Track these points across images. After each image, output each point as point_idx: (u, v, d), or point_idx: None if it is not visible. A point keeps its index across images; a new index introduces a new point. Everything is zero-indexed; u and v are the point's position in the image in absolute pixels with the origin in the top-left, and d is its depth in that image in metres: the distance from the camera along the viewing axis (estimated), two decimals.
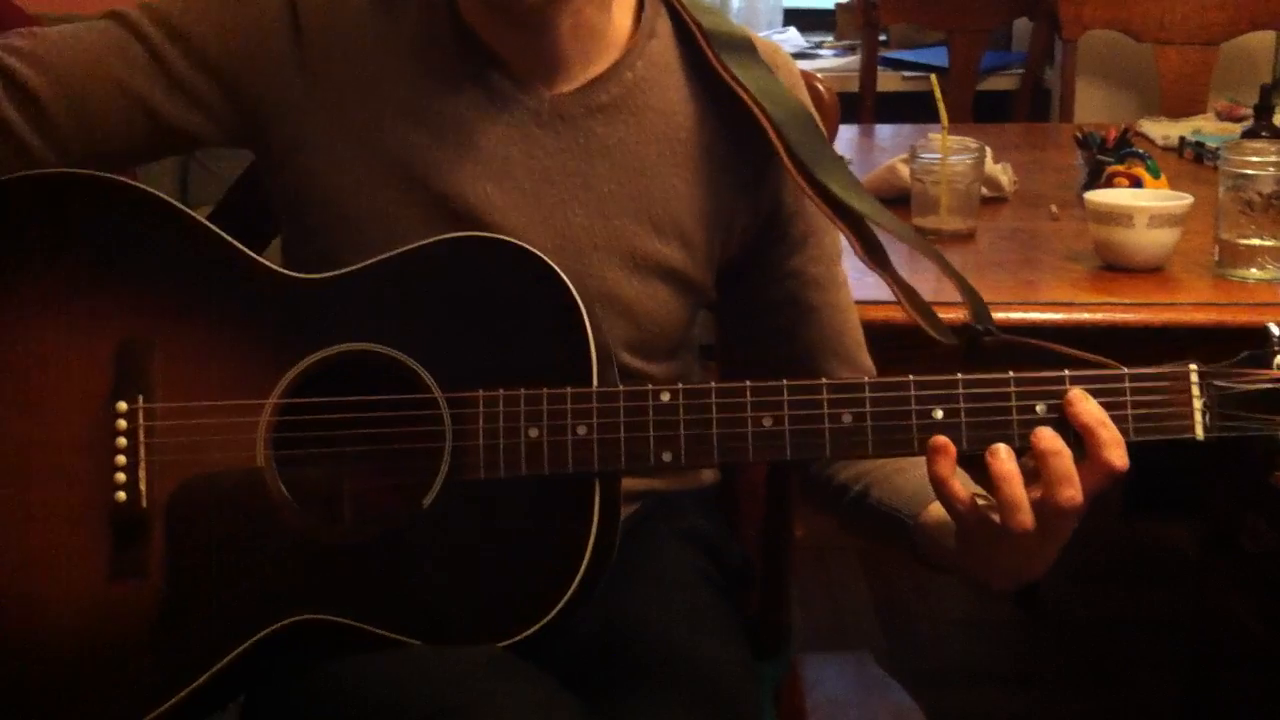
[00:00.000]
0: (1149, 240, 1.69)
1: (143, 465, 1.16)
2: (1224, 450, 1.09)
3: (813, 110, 1.31)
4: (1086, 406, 1.05)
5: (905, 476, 1.24)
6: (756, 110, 1.24)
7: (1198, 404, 1.07)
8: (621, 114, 1.25)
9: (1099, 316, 1.60)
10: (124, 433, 1.16)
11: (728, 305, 1.37)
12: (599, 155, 1.25)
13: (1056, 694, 2.61)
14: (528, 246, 1.16)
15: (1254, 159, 1.68)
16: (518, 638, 1.11)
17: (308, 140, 1.24)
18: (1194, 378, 1.07)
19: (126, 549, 1.16)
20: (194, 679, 1.13)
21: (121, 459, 1.16)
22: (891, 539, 1.23)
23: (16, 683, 1.16)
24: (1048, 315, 1.60)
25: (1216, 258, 1.70)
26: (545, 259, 1.15)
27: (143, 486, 1.16)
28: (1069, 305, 1.62)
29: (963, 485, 1.08)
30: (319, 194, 1.24)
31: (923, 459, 1.09)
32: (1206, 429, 1.07)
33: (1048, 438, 1.05)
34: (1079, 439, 1.05)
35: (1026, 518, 1.04)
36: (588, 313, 1.14)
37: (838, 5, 3.86)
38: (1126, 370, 1.08)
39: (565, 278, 1.15)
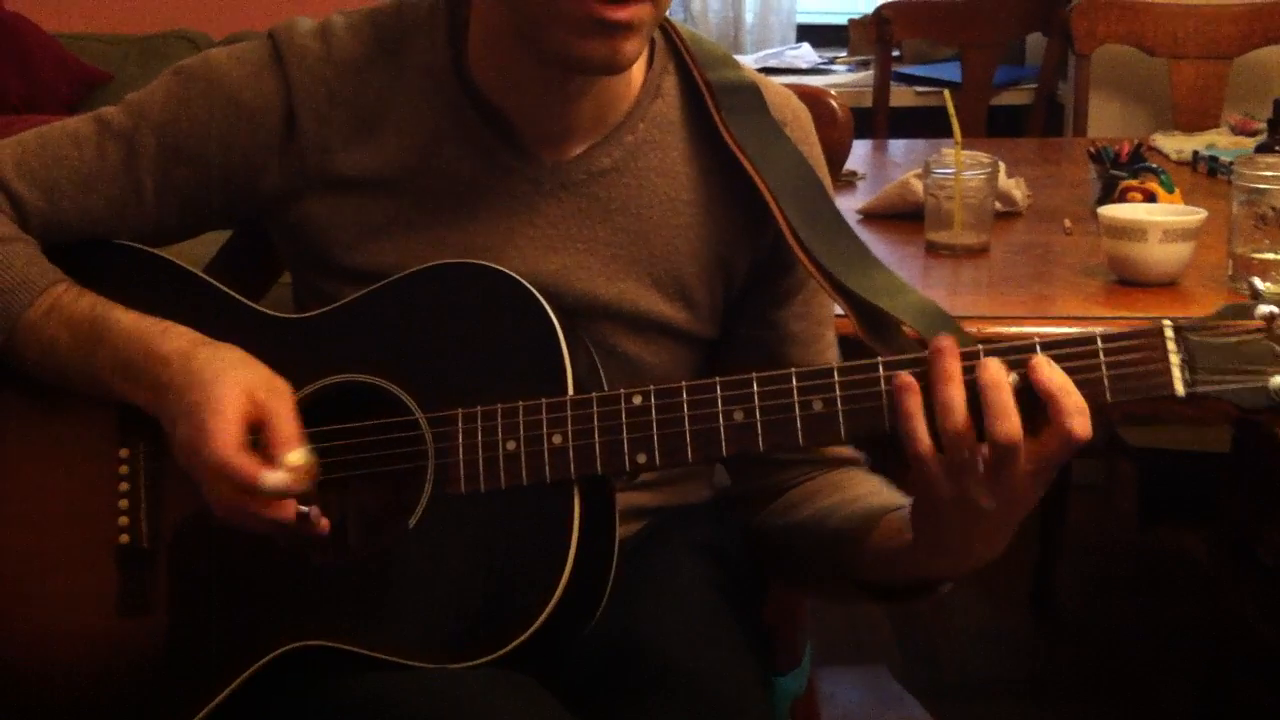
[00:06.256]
0: (1162, 255, 1.69)
1: (144, 506, 1.20)
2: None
3: (822, 168, 1.31)
4: (1049, 373, 1.04)
5: (840, 516, 1.25)
6: (759, 182, 1.23)
7: (1175, 359, 1.05)
8: (623, 177, 1.25)
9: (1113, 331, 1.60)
10: (125, 477, 1.21)
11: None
12: (600, 220, 1.25)
13: (1072, 704, 2.61)
14: (501, 269, 1.18)
15: (1267, 173, 1.68)
16: (501, 652, 1.11)
17: (310, 219, 1.25)
18: (1169, 333, 1.05)
19: (133, 587, 1.20)
20: (198, 710, 1.16)
21: (124, 502, 1.21)
22: (831, 570, 1.24)
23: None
24: (1061, 329, 1.59)
25: (1230, 272, 1.70)
26: (519, 279, 1.17)
27: (144, 527, 1.20)
28: (1082, 319, 1.62)
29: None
30: (323, 264, 1.26)
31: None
32: (1187, 384, 1.04)
33: (992, 368, 1.04)
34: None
35: (1012, 424, 1.03)
36: (563, 329, 1.15)
37: (851, 21, 3.87)
38: (1099, 332, 1.06)
39: (539, 296, 1.16)
